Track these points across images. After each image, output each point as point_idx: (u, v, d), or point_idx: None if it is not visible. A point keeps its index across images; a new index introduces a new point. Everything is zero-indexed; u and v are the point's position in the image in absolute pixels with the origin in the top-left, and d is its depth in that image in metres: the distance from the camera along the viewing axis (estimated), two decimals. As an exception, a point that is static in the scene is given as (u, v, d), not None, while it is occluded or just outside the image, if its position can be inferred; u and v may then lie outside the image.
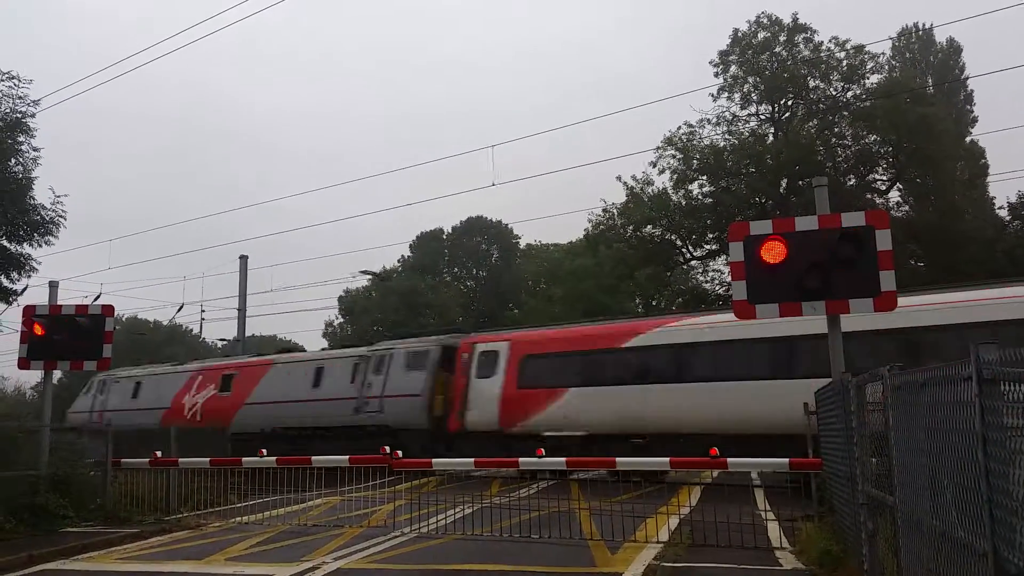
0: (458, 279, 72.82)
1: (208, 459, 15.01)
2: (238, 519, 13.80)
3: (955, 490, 4.44)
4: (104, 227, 67.96)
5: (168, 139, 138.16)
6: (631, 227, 44.33)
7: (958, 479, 4.35)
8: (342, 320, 63.99)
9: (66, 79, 28.57)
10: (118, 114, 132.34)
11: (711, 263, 47.24)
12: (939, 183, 40.45)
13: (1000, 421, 3.76)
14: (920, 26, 54.22)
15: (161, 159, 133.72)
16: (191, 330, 73.62)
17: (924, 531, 5.13)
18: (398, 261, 71.16)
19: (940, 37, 54.55)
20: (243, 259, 39.06)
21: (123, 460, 15.23)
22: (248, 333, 39.02)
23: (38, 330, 14.51)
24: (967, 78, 53.05)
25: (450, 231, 72.95)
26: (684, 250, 45.89)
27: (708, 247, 44.42)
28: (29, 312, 14.89)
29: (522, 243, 72.22)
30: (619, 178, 44.66)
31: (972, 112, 54.37)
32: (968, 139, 48.98)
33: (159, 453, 15.04)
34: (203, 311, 55.21)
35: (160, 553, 11.00)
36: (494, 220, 72.48)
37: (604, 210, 45.31)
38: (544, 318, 51.19)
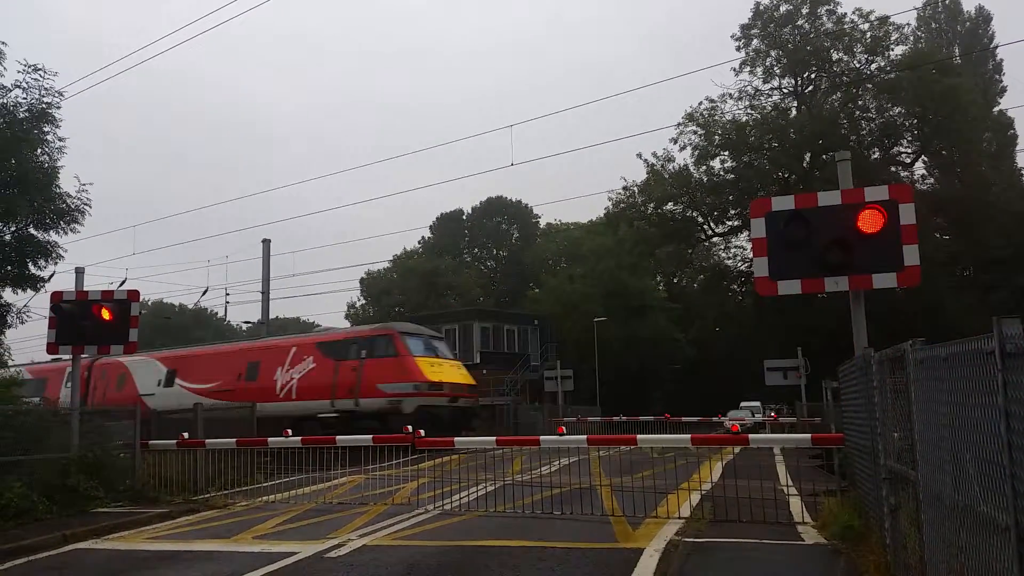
0: (479, 260, 72.90)
1: (235, 440, 15.22)
2: (264, 498, 14.01)
3: (977, 464, 4.41)
4: (128, 214, 68.80)
5: (191, 131, 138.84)
6: (652, 205, 44.12)
7: (980, 453, 4.32)
8: (364, 302, 64.27)
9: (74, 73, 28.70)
10: (125, 105, 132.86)
11: (733, 239, 46.99)
12: (965, 155, 39.87)
13: (1022, 395, 3.73)
14: (947, -5, 53.14)
15: (180, 148, 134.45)
16: (216, 314, 74.46)
17: (946, 505, 5.10)
18: (419, 243, 71.35)
19: (968, 6, 53.44)
20: (266, 243, 39.32)
21: (151, 442, 15.51)
22: (272, 316, 39.35)
23: (66, 316, 14.75)
24: (996, 47, 52.04)
25: (470, 212, 72.94)
26: (706, 227, 45.64)
27: (730, 223, 44.15)
28: (56, 298, 15.13)
29: (542, 223, 72.11)
30: (639, 155, 44.41)
31: (1001, 82, 53.37)
32: (996, 109, 48.11)
33: (186, 435, 15.28)
34: (227, 295, 55.79)
35: (189, 532, 11.21)
36: (514, 200, 72.39)
37: (624, 188, 45.12)
38: (565, 297, 51.22)
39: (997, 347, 3.94)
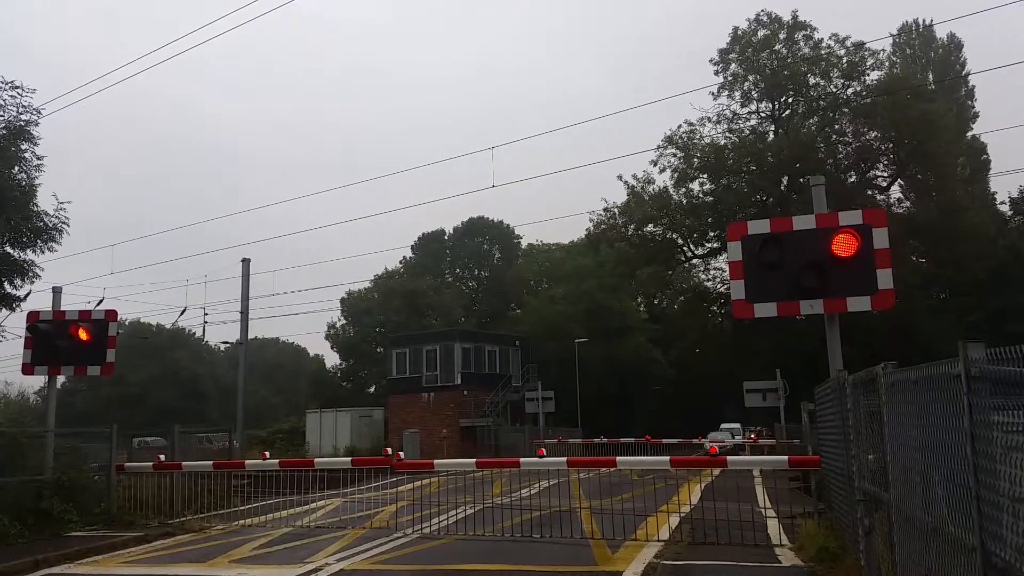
0: (460, 280, 72.83)
1: (211, 462, 15.08)
2: (241, 522, 13.87)
3: (945, 486, 4.49)
4: (106, 232, 68.29)
5: (163, 151, 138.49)
6: (632, 226, 44.46)
7: (948, 475, 4.40)
8: (344, 322, 64.00)
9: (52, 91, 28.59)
10: (100, 127, 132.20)
11: (712, 261, 47.37)
12: (940, 179, 40.52)
13: (987, 418, 3.82)
14: (920, 22, 54.23)
15: (152, 168, 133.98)
16: (194, 333, 73.77)
17: (917, 526, 5.18)
18: (400, 263, 71.22)
19: (940, 33, 54.53)
20: (245, 262, 39.10)
21: (127, 464, 15.33)
22: (251, 335, 39.13)
23: (43, 336, 14.60)
24: (968, 74, 53.02)
25: (452, 232, 72.98)
26: (685, 248, 46.00)
27: (710, 245, 44.55)
28: (33, 318, 14.98)
29: (524, 243, 72.23)
30: (620, 177, 44.81)
31: (973, 108, 54.36)
32: (969, 134, 49.00)
33: (163, 457, 15.13)
34: (206, 314, 55.49)
35: (164, 556, 11.06)
36: (495, 220, 72.51)
37: (605, 209, 45.47)
38: (547, 317, 51.31)
39: (963, 370, 4.04)
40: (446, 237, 73.01)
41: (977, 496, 3.90)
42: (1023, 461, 3.42)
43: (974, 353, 4.01)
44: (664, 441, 32.97)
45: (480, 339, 46.26)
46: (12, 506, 12.44)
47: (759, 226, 10.87)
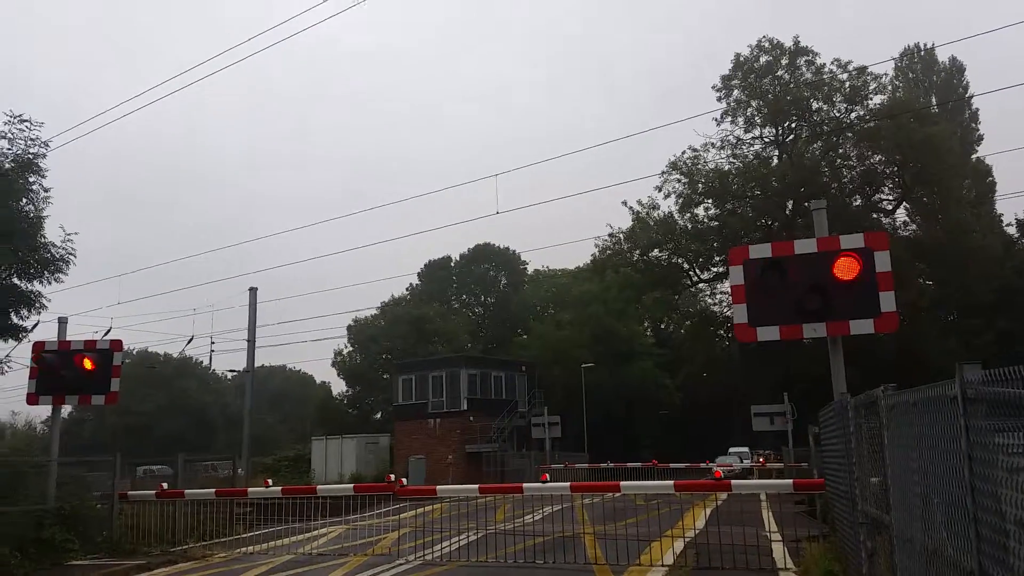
0: (466, 306, 72.88)
1: (214, 490, 15.04)
2: (244, 549, 13.80)
3: (944, 508, 4.46)
4: (113, 263, 68.71)
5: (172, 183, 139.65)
6: (638, 252, 44.48)
7: (947, 497, 4.37)
8: (351, 349, 64.00)
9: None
10: (108, 160, 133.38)
11: (719, 285, 47.30)
12: (945, 202, 40.47)
13: (984, 440, 3.79)
14: (922, 46, 54.50)
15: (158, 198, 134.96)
16: (201, 362, 73.81)
17: (917, 549, 5.13)
18: (406, 289, 71.36)
19: (942, 56, 54.77)
20: (252, 291, 39.24)
21: (130, 492, 15.29)
22: (257, 363, 39.13)
23: (48, 366, 14.65)
24: (971, 97, 53.13)
25: (458, 259, 73.17)
26: (691, 273, 45.96)
27: (715, 270, 44.50)
28: (38, 348, 15.04)
29: (530, 269, 72.35)
30: (625, 203, 44.91)
31: (977, 130, 54.40)
32: (974, 157, 49.00)
33: (165, 485, 15.09)
34: (213, 343, 55.59)
35: (166, 585, 11.01)
36: (501, 247, 72.70)
37: (610, 235, 45.51)
38: (553, 343, 51.23)
39: (959, 392, 4.02)
40: (452, 264, 73.21)
41: (975, 518, 3.86)
42: (1022, 483, 3.39)
43: (970, 375, 3.99)
44: (671, 465, 32.73)
45: (486, 365, 46.19)
46: (13, 535, 12.40)
47: (761, 250, 10.86)
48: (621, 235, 45.23)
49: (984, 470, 3.78)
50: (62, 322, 16.97)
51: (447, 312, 66.25)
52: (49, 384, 14.83)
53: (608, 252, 45.98)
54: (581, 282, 55.43)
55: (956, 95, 52.62)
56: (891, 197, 43.06)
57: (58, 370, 14.79)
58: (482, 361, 47.48)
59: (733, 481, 11.56)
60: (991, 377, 3.79)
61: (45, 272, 18.85)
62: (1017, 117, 64.23)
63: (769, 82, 41.87)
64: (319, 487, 14.51)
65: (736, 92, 42.32)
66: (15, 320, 19.05)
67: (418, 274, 72.04)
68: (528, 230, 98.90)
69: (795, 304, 10.19)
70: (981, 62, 74.62)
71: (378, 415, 60.40)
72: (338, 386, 68.97)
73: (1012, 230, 46.43)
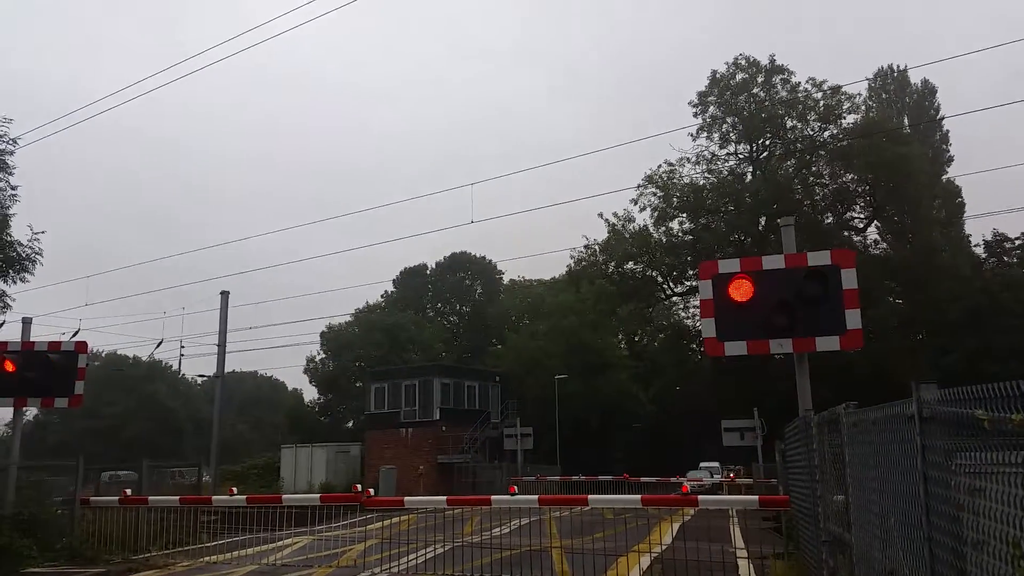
0: (442, 315, 72.67)
1: (178, 497, 14.83)
2: (207, 559, 13.59)
3: (900, 527, 4.49)
4: (81, 264, 67.48)
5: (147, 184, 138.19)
6: (613, 264, 44.67)
7: (903, 516, 4.40)
8: (324, 356, 63.52)
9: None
10: (77, 159, 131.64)
11: (692, 299, 47.59)
12: (916, 221, 41.10)
13: (940, 459, 3.82)
14: (895, 67, 55.41)
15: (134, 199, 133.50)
16: (171, 366, 72.93)
17: (876, 568, 5.16)
18: (382, 296, 71.03)
19: (915, 78, 55.73)
20: (224, 295, 38.84)
21: (93, 498, 15.02)
22: (228, 368, 38.72)
23: (8, 366, 14.38)
24: (943, 118, 54.07)
25: (434, 267, 73.00)
26: (665, 286, 46.22)
27: (689, 283, 44.77)
28: (1, 348, 14.76)
29: (506, 279, 72.32)
30: (600, 215, 45.12)
31: (948, 151, 55.36)
32: (944, 177, 49.78)
33: (129, 491, 14.85)
34: (182, 347, 54.82)
35: (124, 594, 10.81)
36: (478, 256, 72.67)
37: (586, 247, 45.69)
38: (527, 353, 51.20)
39: (916, 411, 4.06)
40: (428, 272, 73.01)
41: (930, 538, 3.89)
42: (980, 504, 3.41)
43: (927, 394, 4.03)
44: (643, 479, 32.80)
45: (460, 375, 46.04)
46: (-32, 542, 12.15)
47: (730, 265, 10.93)
48: (597, 247, 45.44)
49: (939, 490, 3.81)
50: (26, 322, 16.69)
51: (422, 320, 66.01)
52: (10, 385, 14.55)
53: (584, 263, 46.14)
54: (557, 293, 55.48)
55: (928, 116, 53.54)
56: (862, 215, 43.64)
57: (20, 371, 14.52)
58: (456, 371, 47.35)
59: (700, 496, 11.59)
60: (948, 397, 3.83)
61: (10, 271, 18.57)
62: (988, 138, 65.42)
63: (744, 99, 42.32)
64: (285, 496, 14.35)
65: (712, 108, 42.75)
66: (-22, 320, 18.76)
67: (393, 281, 71.82)
68: (505, 239, 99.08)
69: (763, 320, 10.27)
70: (953, 83, 75.97)
71: (350, 423, 59.97)
72: (310, 393, 68.48)
73: (980, 250, 47.22)
